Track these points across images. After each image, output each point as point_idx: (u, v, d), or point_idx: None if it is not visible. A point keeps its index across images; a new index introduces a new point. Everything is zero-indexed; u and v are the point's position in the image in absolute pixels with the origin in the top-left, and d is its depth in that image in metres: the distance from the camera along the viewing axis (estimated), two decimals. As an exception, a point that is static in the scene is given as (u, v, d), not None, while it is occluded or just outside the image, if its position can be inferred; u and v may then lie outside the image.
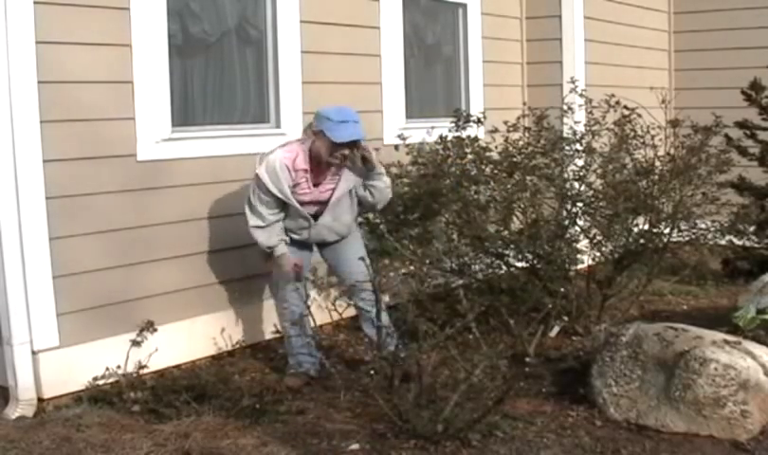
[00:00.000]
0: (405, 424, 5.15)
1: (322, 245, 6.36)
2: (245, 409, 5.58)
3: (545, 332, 5.92)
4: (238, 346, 6.68)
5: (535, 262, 7.25)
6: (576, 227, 7.17)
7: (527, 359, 5.10)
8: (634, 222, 6.98)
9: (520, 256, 7.25)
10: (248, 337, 6.83)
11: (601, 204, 7.07)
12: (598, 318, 7.13)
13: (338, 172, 6.11)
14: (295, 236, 6.22)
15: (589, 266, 7.38)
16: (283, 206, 6.08)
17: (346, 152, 5.99)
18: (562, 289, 7.16)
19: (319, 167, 6.07)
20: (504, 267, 7.40)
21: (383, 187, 6.26)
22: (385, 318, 5.63)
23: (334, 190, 6.12)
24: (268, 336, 6.73)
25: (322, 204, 6.15)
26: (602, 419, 5.45)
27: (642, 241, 7.02)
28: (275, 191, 5.98)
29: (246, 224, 6.11)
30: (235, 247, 6.78)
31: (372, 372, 5.26)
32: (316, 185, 6.11)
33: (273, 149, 6.11)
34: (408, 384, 5.30)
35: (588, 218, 7.18)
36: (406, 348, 5.30)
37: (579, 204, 7.12)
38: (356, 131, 6.00)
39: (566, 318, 7.14)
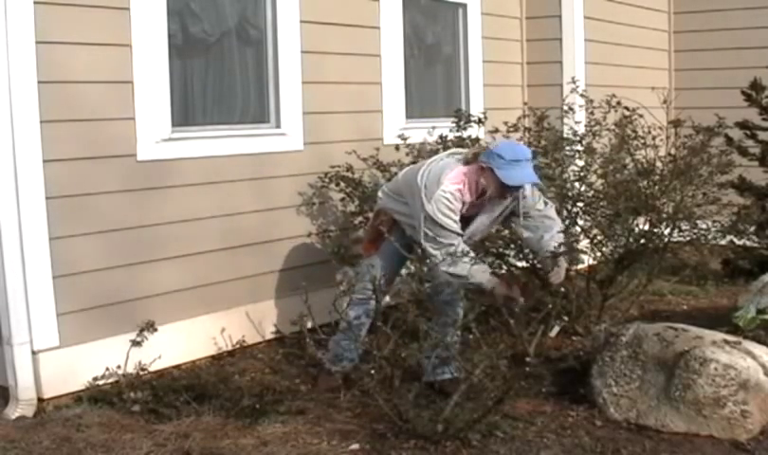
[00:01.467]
0: (405, 424, 5.15)
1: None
2: (245, 409, 5.57)
3: (545, 332, 5.90)
4: (238, 346, 6.68)
5: (535, 261, 7.25)
6: (577, 227, 7.17)
7: (527, 359, 5.08)
8: (635, 222, 6.97)
9: (520, 255, 7.25)
10: (249, 337, 6.81)
11: (602, 204, 7.07)
12: (598, 318, 7.13)
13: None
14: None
15: (589, 266, 7.38)
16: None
17: (513, 194, 5.74)
18: (563, 289, 7.15)
19: (481, 198, 5.76)
20: (505, 267, 7.40)
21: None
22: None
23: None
24: (268, 336, 6.73)
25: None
26: (602, 419, 5.45)
27: (642, 241, 7.01)
28: (454, 227, 5.61)
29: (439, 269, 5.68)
30: (235, 247, 6.79)
31: (372, 371, 5.26)
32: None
33: (436, 178, 5.63)
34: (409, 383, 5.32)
35: (588, 218, 7.18)
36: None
37: (580, 204, 7.13)
38: (528, 173, 5.64)
39: (566, 318, 7.12)
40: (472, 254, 5.65)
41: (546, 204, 6.02)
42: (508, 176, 5.55)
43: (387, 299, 5.81)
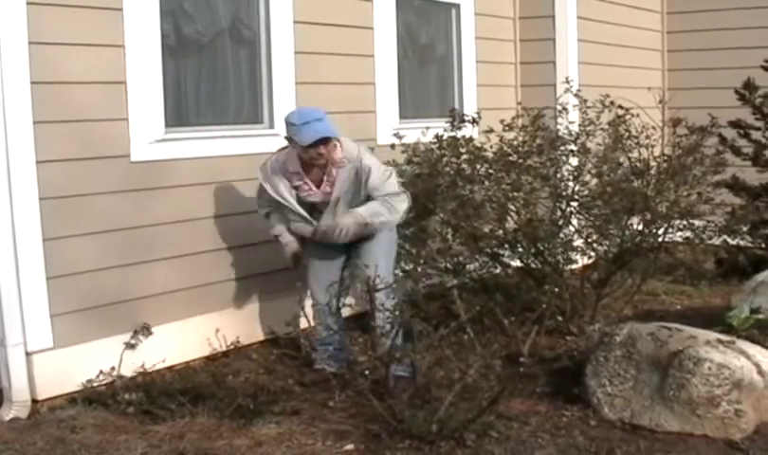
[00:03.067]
0: (400, 424, 5.16)
1: (349, 246, 6.35)
2: (239, 410, 5.57)
3: (539, 332, 5.93)
4: (232, 347, 6.68)
5: (529, 261, 7.27)
6: (571, 227, 7.18)
7: (521, 359, 5.12)
8: (629, 221, 6.99)
9: (514, 255, 7.27)
10: (243, 338, 6.83)
11: (596, 203, 7.08)
12: (592, 318, 7.15)
13: (332, 172, 6.10)
14: (308, 238, 6.36)
15: (583, 266, 7.39)
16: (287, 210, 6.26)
17: (321, 151, 6.00)
18: (557, 289, 7.17)
19: (311, 168, 6.11)
20: (499, 267, 7.42)
21: (384, 211, 6.20)
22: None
23: (331, 192, 6.15)
24: (263, 336, 6.73)
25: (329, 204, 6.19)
26: (596, 419, 5.47)
27: (637, 240, 7.03)
28: (275, 195, 6.17)
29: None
30: (230, 248, 6.81)
31: (366, 372, 5.26)
32: (318, 185, 6.17)
33: (270, 157, 6.26)
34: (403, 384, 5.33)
35: (583, 217, 7.19)
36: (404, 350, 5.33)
37: (574, 203, 7.14)
38: (319, 129, 5.97)
39: (560, 318, 7.15)
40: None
41: (396, 194, 6.25)
42: (303, 138, 5.95)
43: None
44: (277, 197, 6.16)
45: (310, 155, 6.02)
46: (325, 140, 5.99)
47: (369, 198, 6.15)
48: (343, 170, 6.09)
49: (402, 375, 5.62)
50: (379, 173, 6.16)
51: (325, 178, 6.12)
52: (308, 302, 6.14)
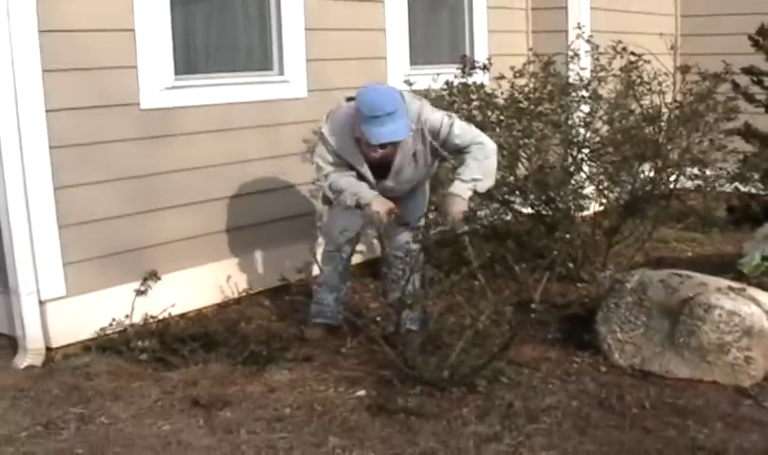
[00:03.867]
0: (411, 370, 5.23)
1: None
2: (252, 357, 5.66)
3: (551, 278, 5.95)
4: (244, 294, 6.75)
5: (540, 208, 7.30)
6: (582, 174, 7.21)
7: (532, 306, 5.13)
8: (640, 168, 7.01)
9: (525, 202, 7.30)
10: (255, 285, 6.91)
11: (607, 150, 7.10)
12: (604, 265, 7.19)
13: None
14: None
15: (595, 213, 7.42)
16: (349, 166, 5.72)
17: (388, 149, 5.56)
18: (568, 235, 7.21)
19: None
20: (510, 214, 7.46)
21: (481, 169, 5.66)
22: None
23: (394, 156, 5.68)
24: (275, 283, 6.79)
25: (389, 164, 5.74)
26: (607, 365, 5.53)
27: (648, 188, 7.06)
28: (339, 151, 5.65)
29: (319, 186, 5.83)
30: (241, 195, 6.86)
31: (377, 318, 5.32)
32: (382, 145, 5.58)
33: (339, 106, 5.75)
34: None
35: (594, 164, 7.22)
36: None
37: (585, 150, 7.16)
38: (389, 131, 5.42)
39: (571, 265, 7.19)
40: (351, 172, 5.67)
41: (469, 130, 5.75)
42: (369, 133, 5.44)
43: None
44: (343, 154, 5.63)
45: (370, 147, 5.54)
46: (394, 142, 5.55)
47: (453, 151, 5.74)
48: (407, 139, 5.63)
49: (412, 329, 5.69)
50: (447, 126, 5.66)
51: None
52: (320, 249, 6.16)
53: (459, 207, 5.63)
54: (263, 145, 6.93)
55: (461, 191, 5.63)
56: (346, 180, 5.65)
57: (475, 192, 5.69)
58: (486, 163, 5.68)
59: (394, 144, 5.55)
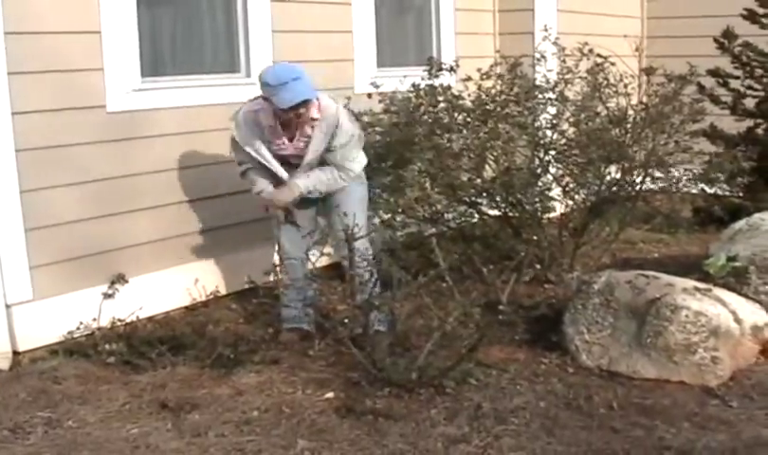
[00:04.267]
0: (379, 372, 5.25)
1: (321, 199, 6.14)
2: (219, 360, 5.66)
3: (518, 280, 5.99)
4: (212, 297, 6.72)
5: (507, 210, 7.33)
6: (549, 175, 7.24)
7: (500, 307, 5.16)
8: (607, 170, 7.05)
9: (492, 204, 7.33)
10: (222, 288, 6.92)
11: (574, 152, 7.13)
12: (571, 267, 7.23)
13: (306, 129, 5.89)
14: None
15: (561, 214, 7.46)
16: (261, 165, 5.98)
17: (300, 111, 5.75)
18: (535, 237, 7.25)
19: (286, 123, 5.88)
20: (477, 216, 7.49)
21: (330, 179, 5.99)
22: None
23: (306, 147, 5.92)
24: (242, 286, 6.78)
25: (301, 158, 5.97)
26: (574, 366, 5.57)
27: (614, 189, 7.10)
28: (248, 148, 5.92)
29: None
30: (208, 198, 6.87)
31: (345, 320, 5.34)
32: (290, 139, 5.93)
33: (240, 108, 6.03)
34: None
35: (560, 166, 7.25)
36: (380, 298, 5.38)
37: (552, 152, 7.18)
38: (298, 90, 5.66)
39: (538, 266, 7.23)
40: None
41: (352, 158, 6.03)
42: (280, 100, 5.68)
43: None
44: (252, 152, 5.91)
45: (288, 116, 5.78)
46: (305, 102, 5.74)
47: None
48: (318, 128, 5.86)
49: (380, 330, 5.70)
50: (345, 139, 5.93)
51: (298, 134, 5.90)
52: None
53: (285, 196, 5.96)
54: (229, 148, 6.93)
55: (300, 185, 5.93)
56: (253, 177, 6.01)
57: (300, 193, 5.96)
58: (330, 185, 5.99)
59: (305, 108, 5.77)
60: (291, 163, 6.00)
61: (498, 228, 7.50)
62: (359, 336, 5.36)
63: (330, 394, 5.26)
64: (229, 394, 5.28)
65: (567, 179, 7.23)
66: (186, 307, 6.71)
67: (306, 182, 5.91)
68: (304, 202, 6.06)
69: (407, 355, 5.35)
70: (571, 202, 7.31)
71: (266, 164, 5.94)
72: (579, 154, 7.08)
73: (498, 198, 7.26)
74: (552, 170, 7.24)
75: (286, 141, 5.93)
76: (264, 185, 6.00)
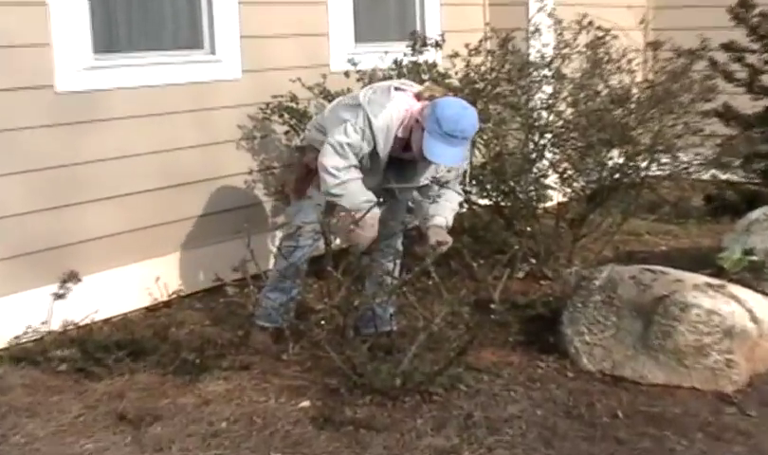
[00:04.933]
0: (360, 378, 5.24)
1: None
2: (184, 366, 5.64)
3: (511, 276, 6.00)
4: (175, 296, 6.74)
5: (499, 199, 7.35)
6: (545, 161, 7.25)
7: (492, 306, 5.17)
8: (608, 155, 7.07)
9: (483, 193, 7.34)
10: (186, 286, 6.90)
11: (572, 135, 7.15)
12: (569, 261, 7.25)
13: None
14: None
15: (558, 204, 7.49)
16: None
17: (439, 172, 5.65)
18: (529, 228, 7.26)
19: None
20: (466, 205, 7.50)
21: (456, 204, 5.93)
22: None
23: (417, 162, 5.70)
24: (209, 284, 6.79)
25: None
26: (574, 370, 5.59)
27: (617, 175, 7.12)
28: (380, 148, 5.54)
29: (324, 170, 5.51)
30: (170, 187, 6.87)
31: (322, 321, 5.34)
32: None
33: (391, 92, 5.62)
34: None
35: (557, 151, 7.26)
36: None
37: (548, 135, 7.19)
38: (457, 153, 5.47)
39: (534, 261, 7.25)
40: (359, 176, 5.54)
41: (457, 179, 5.93)
42: (431, 149, 5.41)
43: (337, 241, 5.89)
44: (381, 152, 5.55)
45: (420, 156, 5.50)
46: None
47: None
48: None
49: (390, 329, 5.78)
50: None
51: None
52: (255, 244, 6.13)
53: (443, 237, 5.67)
54: (193, 132, 6.92)
55: (442, 224, 5.75)
56: (358, 185, 5.52)
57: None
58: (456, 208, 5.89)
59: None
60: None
61: (489, 220, 7.51)
62: (338, 338, 5.35)
63: (306, 403, 5.25)
64: (195, 404, 5.26)
65: (565, 165, 7.25)
66: (146, 308, 6.70)
67: (448, 218, 5.81)
68: None
69: (390, 360, 5.35)
70: (569, 190, 7.33)
71: (380, 159, 5.62)
72: (578, 138, 7.10)
73: (488, 186, 7.27)
74: (548, 155, 7.25)
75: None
76: (372, 197, 5.54)
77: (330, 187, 5.47)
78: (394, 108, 5.55)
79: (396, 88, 5.70)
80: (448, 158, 5.48)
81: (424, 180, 5.77)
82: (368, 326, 5.80)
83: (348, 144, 5.46)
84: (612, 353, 5.53)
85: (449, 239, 5.69)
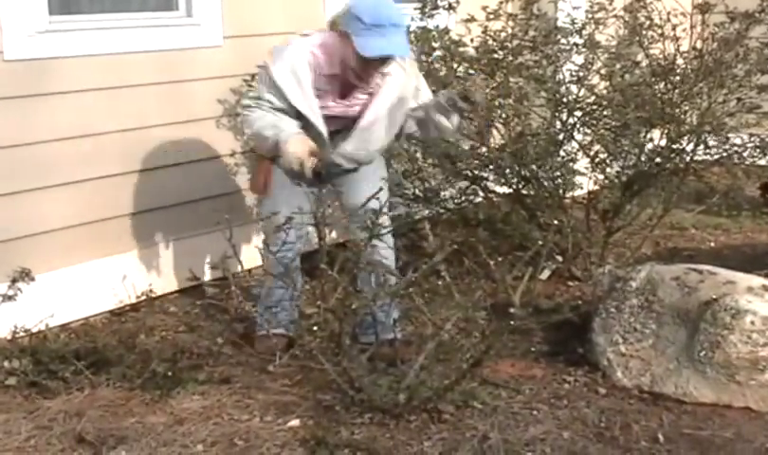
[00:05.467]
0: (358, 393, 5.22)
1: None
2: (154, 379, 5.61)
3: (534, 276, 5.98)
4: (144, 297, 6.69)
5: (520, 187, 7.33)
6: (574, 143, 7.23)
7: (512, 310, 5.15)
8: (648, 136, 7.05)
9: (501, 179, 7.32)
10: (158, 286, 6.86)
11: (606, 113, 7.14)
12: (601, 258, 7.25)
13: (372, 82, 5.80)
14: None
15: (589, 192, 7.47)
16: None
17: (378, 67, 5.69)
18: (556, 221, 7.24)
19: (348, 74, 5.75)
20: (482, 194, 7.48)
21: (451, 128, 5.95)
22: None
23: (366, 107, 5.83)
24: (183, 283, 6.77)
25: (347, 121, 5.86)
26: (607, 386, 5.57)
27: (658, 160, 7.11)
28: (291, 96, 5.69)
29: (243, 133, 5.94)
30: (139, 171, 6.85)
31: (315, 328, 5.31)
32: (343, 96, 5.83)
33: (289, 41, 5.84)
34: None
35: (588, 131, 7.25)
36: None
37: (578, 113, 7.19)
38: (392, 43, 5.57)
39: (560, 258, 7.23)
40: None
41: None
42: (364, 45, 5.52)
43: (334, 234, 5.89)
44: (295, 102, 5.67)
45: (361, 68, 5.64)
46: (389, 58, 5.69)
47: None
48: (390, 82, 5.81)
49: (395, 339, 5.80)
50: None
51: (360, 88, 5.80)
52: (239, 237, 6.12)
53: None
54: (165, 107, 6.90)
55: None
56: (273, 117, 5.71)
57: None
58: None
59: (384, 65, 5.69)
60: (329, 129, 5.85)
61: (508, 211, 7.50)
62: (332, 348, 5.33)
63: (295, 422, 5.23)
64: (166, 423, 5.23)
65: (597, 148, 7.23)
66: (111, 312, 6.70)
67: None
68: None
69: (393, 372, 5.34)
70: (601, 177, 7.31)
71: (309, 119, 5.73)
72: (613, 116, 7.08)
73: (508, 172, 7.25)
74: (577, 136, 7.24)
75: (338, 99, 5.82)
76: (292, 127, 5.70)
77: (245, 127, 5.93)
78: (293, 50, 5.72)
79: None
80: (386, 48, 5.57)
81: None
82: (367, 333, 5.79)
83: (253, 98, 5.79)
84: (652, 366, 5.51)
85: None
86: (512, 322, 5.13)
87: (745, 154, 7.31)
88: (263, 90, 5.78)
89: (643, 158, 7.09)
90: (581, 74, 7.18)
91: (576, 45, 7.26)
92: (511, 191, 7.40)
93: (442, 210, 7.48)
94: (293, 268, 5.84)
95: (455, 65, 7.15)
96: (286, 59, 5.70)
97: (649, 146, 7.08)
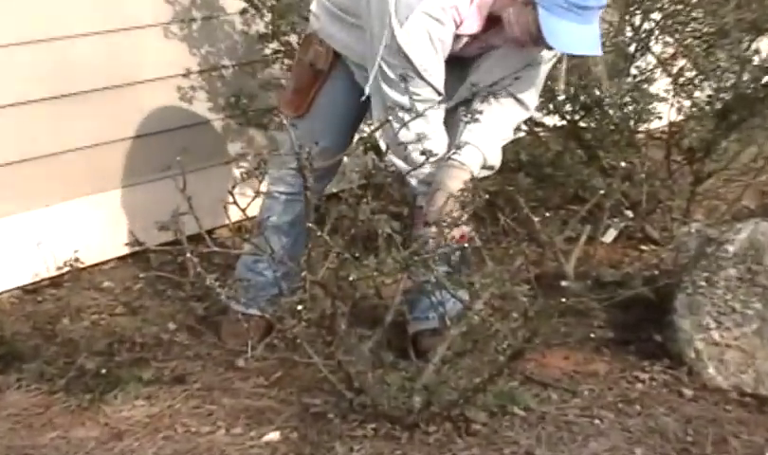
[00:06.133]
0: (358, 396, 5.22)
1: None
2: (81, 378, 5.63)
3: (595, 237, 5.97)
4: (68, 269, 6.66)
5: (576, 117, 7.33)
6: (650, 57, 7.23)
7: (564, 284, 5.15)
8: (753, 46, 7.05)
9: (550, 108, 7.32)
10: (86, 255, 6.83)
11: (693, 15, 7.13)
12: (686, 214, 7.26)
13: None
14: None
15: (671, 125, 7.47)
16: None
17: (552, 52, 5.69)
18: (624, 164, 7.25)
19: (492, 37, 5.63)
20: (524, 127, 7.49)
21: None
22: None
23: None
24: (120, 250, 6.79)
25: None
26: (695, 385, 5.60)
27: (765, 80, 7.10)
28: (435, 71, 5.52)
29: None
30: (59, 97, 6.86)
31: (300, 307, 5.32)
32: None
33: None
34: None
35: (670, 40, 7.24)
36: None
37: (655, 15, 7.18)
38: (589, 37, 5.39)
39: (630, 214, 7.24)
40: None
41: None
42: (554, 32, 5.26)
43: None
44: (437, 83, 5.52)
45: (531, 42, 5.43)
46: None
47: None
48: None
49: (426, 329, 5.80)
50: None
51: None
52: (196, 187, 6.11)
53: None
54: (94, 12, 6.90)
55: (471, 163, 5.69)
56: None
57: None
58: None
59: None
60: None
61: (560, 149, 7.50)
62: (323, 335, 5.33)
63: (274, 435, 5.25)
64: (99, 439, 5.26)
65: (681, 63, 7.22)
66: (23, 288, 6.75)
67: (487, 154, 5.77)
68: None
69: (405, 367, 5.35)
70: (688, 104, 7.30)
71: (435, 83, 5.57)
72: (705, 19, 7.06)
73: (560, 97, 7.24)
74: (655, 47, 7.23)
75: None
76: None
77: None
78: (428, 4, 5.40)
79: None
80: (582, 44, 5.45)
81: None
82: (425, 318, 5.83)
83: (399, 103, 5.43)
84: (756, 360, 5.55)
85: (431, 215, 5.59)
86: (564, 300, 5.14)
87: None
88: (411, 73, 5.44)
89: (745, 78, 7.08)
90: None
91: None
92: (564, 123, 7.40)
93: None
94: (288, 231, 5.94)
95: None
96: (429, 24, 5.40)
97: (755, 61, 7.07)
